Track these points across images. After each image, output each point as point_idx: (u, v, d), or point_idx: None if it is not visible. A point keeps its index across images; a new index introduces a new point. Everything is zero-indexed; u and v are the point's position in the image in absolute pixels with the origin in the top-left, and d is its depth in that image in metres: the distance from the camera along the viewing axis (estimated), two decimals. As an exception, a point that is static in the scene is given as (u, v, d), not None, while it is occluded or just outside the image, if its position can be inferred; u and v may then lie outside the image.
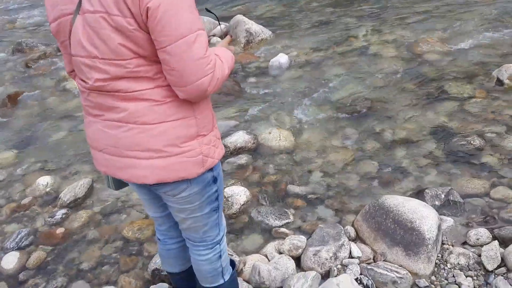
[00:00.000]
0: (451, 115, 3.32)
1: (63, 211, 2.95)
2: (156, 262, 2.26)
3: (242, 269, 2.22)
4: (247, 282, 2.12)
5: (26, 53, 6.82)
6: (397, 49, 4.55)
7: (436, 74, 3.92)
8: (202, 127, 1.35)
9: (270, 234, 2.52)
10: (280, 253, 2.27)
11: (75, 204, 3.00)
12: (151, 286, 2.20)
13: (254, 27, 5.33)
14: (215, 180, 1.47)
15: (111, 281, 2.35)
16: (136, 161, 1.32)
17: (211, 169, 1.43)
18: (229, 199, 2.74)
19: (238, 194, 2.79)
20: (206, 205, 1.49)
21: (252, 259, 2.23)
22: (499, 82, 3.57)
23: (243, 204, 2.75)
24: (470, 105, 3.38)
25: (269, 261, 2.22)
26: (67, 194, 3.05)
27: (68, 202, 3.00)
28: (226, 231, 1.70)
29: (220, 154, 1.45)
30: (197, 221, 1.52)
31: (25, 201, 3.13)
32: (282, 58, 4.58)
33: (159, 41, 1.17)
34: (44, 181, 3.26)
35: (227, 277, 1.69)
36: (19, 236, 2.76)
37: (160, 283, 2.19)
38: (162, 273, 2.20)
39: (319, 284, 2.00)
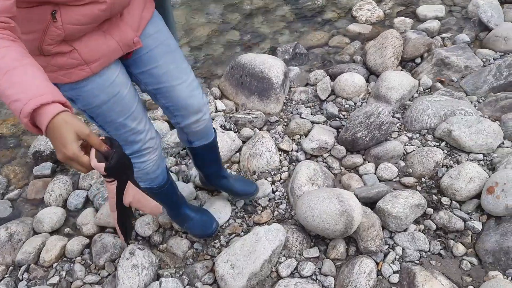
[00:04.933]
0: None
1: None
2: (35, 146, 2.36)
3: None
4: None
5: None
6: None
7: None
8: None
9: (145, 106, 2.72)
10: (155, 119, 2.50)
11: None
12: (35, 168, 2.32)
13: None
14: (72, 100, 1.37)
15: (-5, 174, 2.41)
16: None
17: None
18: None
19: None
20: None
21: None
22: None
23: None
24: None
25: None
26: None
27: None
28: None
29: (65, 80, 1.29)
30: None
31: None
32: None
33: None
34: None
35: None
36: None
37: (43, 163, 2.31)
38: (44, 154, 2.32)
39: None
